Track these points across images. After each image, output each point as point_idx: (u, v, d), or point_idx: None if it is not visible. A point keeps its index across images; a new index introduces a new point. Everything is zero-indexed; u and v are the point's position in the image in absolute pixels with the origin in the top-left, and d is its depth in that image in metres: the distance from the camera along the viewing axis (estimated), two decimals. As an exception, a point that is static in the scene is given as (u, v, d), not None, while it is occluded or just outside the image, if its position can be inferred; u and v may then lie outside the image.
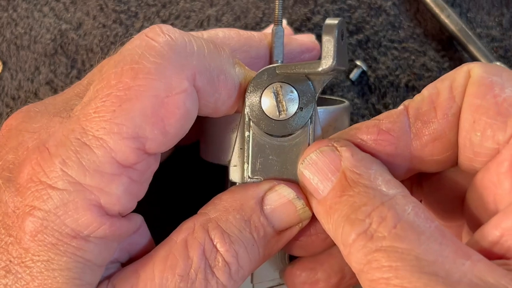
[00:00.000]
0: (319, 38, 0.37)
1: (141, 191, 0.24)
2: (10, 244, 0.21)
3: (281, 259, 0.29)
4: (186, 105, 0.22)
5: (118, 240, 0.23)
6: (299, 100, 0.25)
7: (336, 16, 0.38)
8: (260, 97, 0.25)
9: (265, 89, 0.25)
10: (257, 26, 0.37)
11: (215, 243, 0.23)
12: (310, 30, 0.37)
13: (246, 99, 0.25)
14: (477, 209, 0.23)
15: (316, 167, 0.24)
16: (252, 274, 0.29)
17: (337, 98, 0.33)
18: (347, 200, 0.21)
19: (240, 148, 0.26)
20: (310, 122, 0.25)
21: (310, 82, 0.25)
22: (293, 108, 0.25)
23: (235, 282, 0.24)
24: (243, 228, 0.24)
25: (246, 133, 0.25)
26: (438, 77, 0.38)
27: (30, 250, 0.21)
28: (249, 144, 0.25)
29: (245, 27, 0.37)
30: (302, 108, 0.25)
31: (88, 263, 0.22)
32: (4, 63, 0.37)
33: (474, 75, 0.22)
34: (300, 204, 0.25)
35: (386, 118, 0.24)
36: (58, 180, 0.21)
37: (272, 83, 0.25)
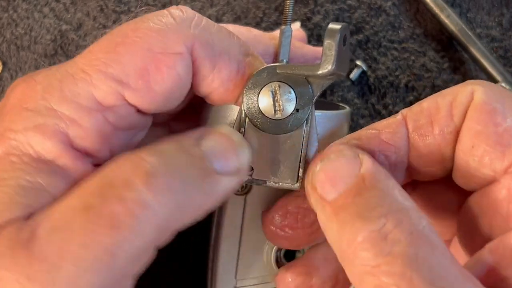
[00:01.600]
0: (319, 38, 0.38)
1: (116, 141, 0.24)
2: None
3: (267, 257, 0.29)
4: (176, 68, 0.23)
5: (80, 178, 0.22)
6: (296, 101, 0.25)
7: (336, 16, 0.38)
8: (258, 94, 0.25)
9: (263, 87, 0.25)
10: (257, 26, 0.37)
11: (144, 157, 0.21)
12: (310, 30, 0.37)
13: (244, 95, 0.25)
14: (471, 230, 0.23)
15: (334, 169, 0.23)
16: (236, 269, 0.29)
17: (340, 104, 0.33)
18: (361, 200, 0.21)
19: None
20: (306, 124, 0.25)
21: (309, 85, 0.25)
22: (289, 108, 0.25)
23: (165, 201, 0.20)
24: (178, 153, 0.22)
25: (241, 129, 0.25)
26: (438, 77, 0.38)
27: None
28: None
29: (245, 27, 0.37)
30: (298, 109, 0.25)
31: (40, 187, 0.22)
32: (4, 64, 0.37)
33: (477, 99, 0.22)
34: (237, 138, 0.23)
35: (385, 128, 0.24)
36: (35, 104, 0.22)
37: (271, 82, 0.25)
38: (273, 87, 0.25)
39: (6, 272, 0.20)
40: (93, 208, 0.20)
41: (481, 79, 0.31)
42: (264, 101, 0.25)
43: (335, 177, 0.22)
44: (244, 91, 0.25)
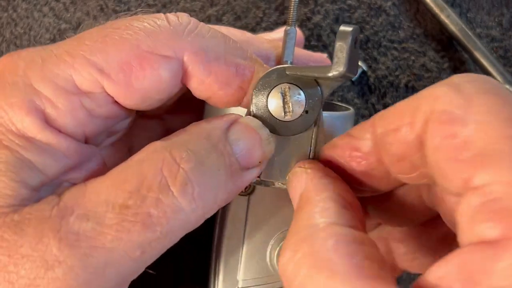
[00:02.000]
0: (319, 38, 0.38)
1: (93, 127, 0.24)
2: None
3: (270, 258, 0.29)
4: (160, 70, 0.23)
5: (67, 156, 0.23)
6: (305, 103, 0.25)
7: (336, 16, 0.38)
8: (267, 96, 0.25)
9: (273, 88, 0.25)
10: (258, 26, 0.37)
11: (178, 160, 0.22)
12: (310, 30, 0.37)
13: (253, 96, 0.25)
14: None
15: (291, 186, 0.24)
16: (239, 270, 0.29)
17: (343, 105, 0.33)
18: (293, 223, 0.22)
19: None
20: (314, 125, 0.25)
21: (318, 86, 0.25)
22: (299, 110, 0.25)
23: (196, 207, 0.22)
24: (209, 151, 0.23)
25: None
26: (438, 77, 0.38)
27: None
28: None
29: (246, 27, 0.37)
30: (307, 111, 0.25)
31: (29, 164, 0.22)
32: (3, 63, 0.37)
33: (437, 106, 0.20)
34: (265, 134, 0.24)
35: (357, 134, 0.23)
36: (15, 78, 0.23)
37: (280, 83, 0.25)
38: (282, 88, 0.25)
39: (30, 251, 0.21)
40: (129, 208, 0.21)
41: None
42: (274, 103, 0.25)
43: (292, 193, 0.24)
44: (253, 93, 0.25)
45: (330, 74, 0.23)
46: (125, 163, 0.23)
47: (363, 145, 0.23)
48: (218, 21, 0.37)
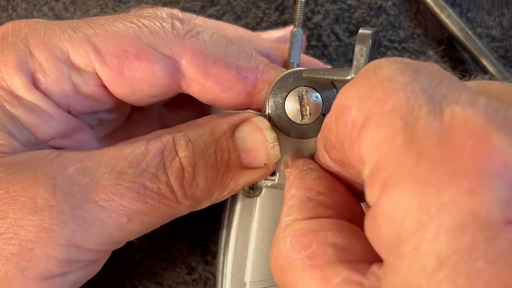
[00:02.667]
0: (319, 38, 0.38)
1: (77, 106, 0.25)
2: None
3: None
4: (155, 66, 0.24)
5: (54, 119, 0.24)
6: (323, 106, 0.25)
7: (336, 16, 0.38)
8: (284, 99, 0.25)
9: (290, 92, 0.25)
10: (258, 25, 0.37)
11: (176, 147, 0.23)
12: (310, 30, 0.37)
13: (269, 99, 0.25)
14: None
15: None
16: (246, 271, 0.29)
17: None
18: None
19: None
20: None
21: (335, 89, 0.25)
22: (316, 113, 0.25)
23: (184, 194, 0.23)
24: (208, 144, 0.24)
25: None
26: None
27: None
28: None
29: (246, 27, 0.37)
30: (324, 114, 0.25)
31: (16, 120, 0.23)
32: (3, 63, 0.37)
33: (336, 103, 0.19)
34: (271, 137, 0.25)
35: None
36: (15, 40, 0.24)
37: (297, 87, 0.25)
38: (300, 92, 0.25)
39: (21, 191, 0.21)
40: (127, 175, 0.22)
41: (481, 79, 0.31)
42: (291, 106, 0.25)
43: None
44: (269, 96, 0.25)
45: (349, 77, 0.23)
46: (131, 140, 0.24)
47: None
48: (218, 21, 0.37)
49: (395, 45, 0.37)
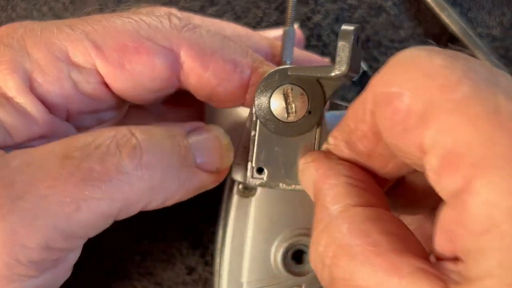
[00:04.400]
0: (319, 38, 0.37)
1: (77, 105, 0.24)
2: None
3: (274, 259, 0.29)
4: (155, 58, 0.24)
5: (39, 124, 0.23)
6: (308, 104, 0.25)
7: (336, 15, 0.38)
8: (270, 97, 0.25)
9: (275, 90, 0.25)
10: (258, 25, 0.37)
11: (133, 130, 0.23)
12: (310, 30, 0.37)
13: (255, 98, 0.25)
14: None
15: (303, 184, 0.24)
16: (242, 271, 0.29)
17: (344, 104, 0.33)
18: (314, 218, 0.21)
19: (244, 147, 0.26)
20: (317, 126, 0.25)
21: (321, 87, 0.25)
22: (302, 111, 0.25)
23: (141, 174, 0.22)
24: (165, 137, 0.23)
25: (252, 132, 0.25)
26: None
27: None
28: (254, 144, 0.25)
29: (246, 27, 0.37)
30: (310, 111, 0.25)
31: None
32: (3, 63, 0.37)
33: (376, 91, 0.19)
34: (226, 140, 0.25)
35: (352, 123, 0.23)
36: (11, 41, 0.23)
37: (283, 85, 0.25)
38: (285, 90, 0.25)
39: None
40: (73, 158, 0.21)
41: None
42: (276, 104, 0.25)
43: (307, 190, 0.24)
44: (255, 95, 0.25)
45: (332, 74, 0.22)
46: (84, 132, 0.23)
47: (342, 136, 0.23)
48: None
49: (396, 44, 0.37)
